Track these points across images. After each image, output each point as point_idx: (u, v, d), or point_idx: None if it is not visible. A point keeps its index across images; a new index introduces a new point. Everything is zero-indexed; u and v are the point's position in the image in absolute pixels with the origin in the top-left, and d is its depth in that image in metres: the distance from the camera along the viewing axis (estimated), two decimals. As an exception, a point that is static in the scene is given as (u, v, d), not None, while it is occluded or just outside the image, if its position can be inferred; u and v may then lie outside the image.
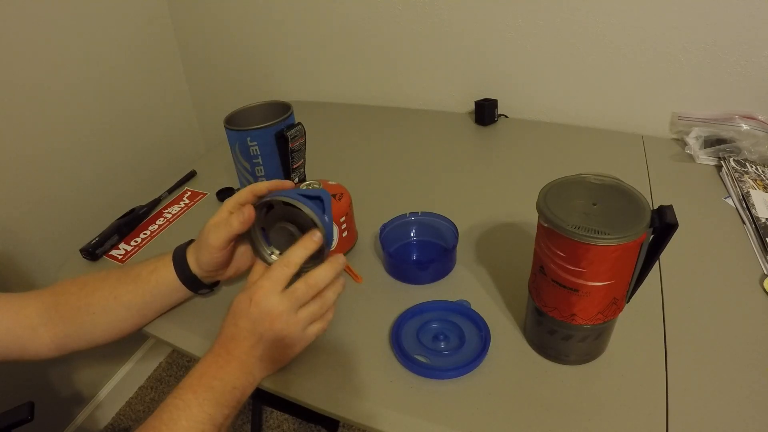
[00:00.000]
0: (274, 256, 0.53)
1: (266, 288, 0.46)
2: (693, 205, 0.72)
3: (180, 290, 0.56)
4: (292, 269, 0.47)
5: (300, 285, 0.47)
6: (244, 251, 0.58)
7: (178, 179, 0.91)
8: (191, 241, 0.57)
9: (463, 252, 0.67)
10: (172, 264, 0.55)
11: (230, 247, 0.54)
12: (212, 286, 0.60)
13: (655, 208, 0.41)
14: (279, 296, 0.46)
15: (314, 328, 0.49)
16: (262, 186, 0.52)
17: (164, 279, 0.55)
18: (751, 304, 0.56)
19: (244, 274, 0.60)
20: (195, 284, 0.57)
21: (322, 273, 0.48)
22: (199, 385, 0.44)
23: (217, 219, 0.52)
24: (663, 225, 0.40)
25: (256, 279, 0.49)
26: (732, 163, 0.80)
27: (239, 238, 0.55)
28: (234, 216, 0.51)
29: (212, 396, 0.44)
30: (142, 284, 0.55)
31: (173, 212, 0.83)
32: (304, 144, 0.75)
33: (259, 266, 0.52)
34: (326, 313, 0.50)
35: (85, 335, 0.55)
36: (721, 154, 0.82)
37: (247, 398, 0.48)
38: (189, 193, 0.88)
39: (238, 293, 0.47)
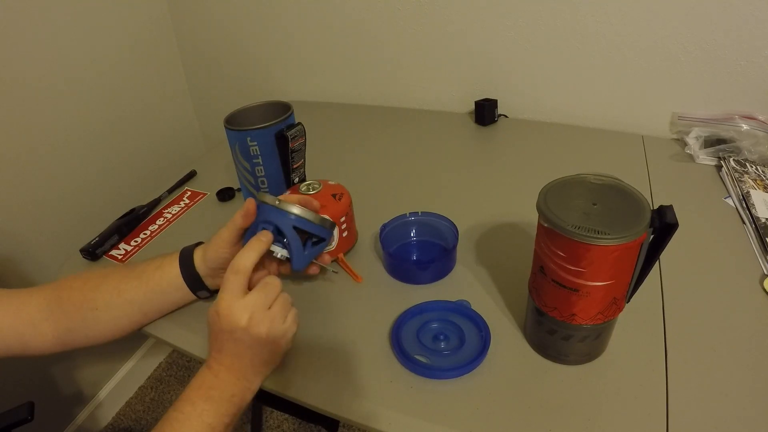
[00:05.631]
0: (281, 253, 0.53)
1: (226, 300, 0.46)
2: (693, 205, 0.72)
3: (181, 289, 0.57)
4: (244, 275, 0.47)
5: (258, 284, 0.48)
6: None
7: (178, 179, 0.91)
8: (200, 243, 0.58)
9: (463, 252, 0.67)
10: (177, 261, 0.56)
11: (238, 246, 0.54)
12: (212, 292, 0.60)
13: (655, 208, 0.41)
14: (242, 303, 0.46)
15: (291, 317, 0.50)
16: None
17: (168, 276, 0.56)
18: (751, 304, 0.56)
19: None
20: (196, 283, 0.57)
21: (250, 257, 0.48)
22: (197, 397, 0.45)
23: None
24: (663, 225, 0.40)
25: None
26: (732, 163, 0.80)
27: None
28: (237, 212, 0.53)
29: (211, 406, 0.44)
30: (146, 280, 0.55)
31: (173, 212, 0.83)
32: (304, 144, 0.75)
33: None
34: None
35: (87, 331, 0.55)
36: (721, 154, 0.82)
37: (248, 404, 0.48)
38: (189, 193, 0.88)
39: (209, 308, 0.48)
